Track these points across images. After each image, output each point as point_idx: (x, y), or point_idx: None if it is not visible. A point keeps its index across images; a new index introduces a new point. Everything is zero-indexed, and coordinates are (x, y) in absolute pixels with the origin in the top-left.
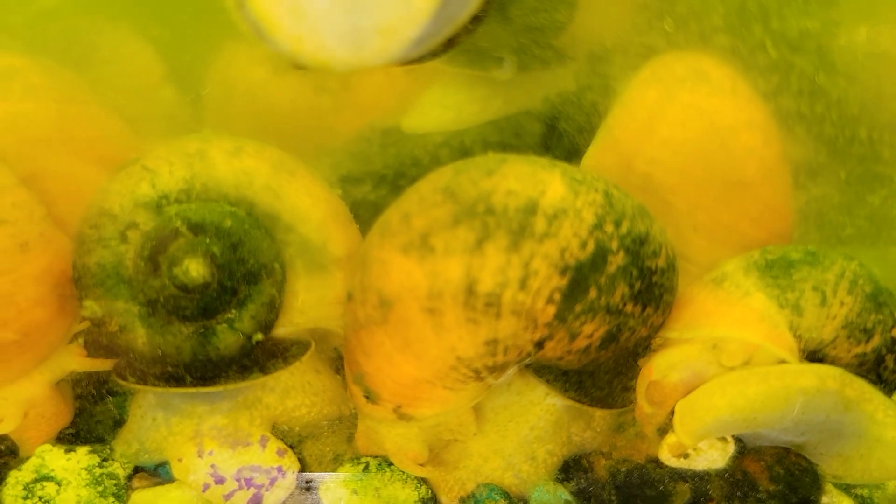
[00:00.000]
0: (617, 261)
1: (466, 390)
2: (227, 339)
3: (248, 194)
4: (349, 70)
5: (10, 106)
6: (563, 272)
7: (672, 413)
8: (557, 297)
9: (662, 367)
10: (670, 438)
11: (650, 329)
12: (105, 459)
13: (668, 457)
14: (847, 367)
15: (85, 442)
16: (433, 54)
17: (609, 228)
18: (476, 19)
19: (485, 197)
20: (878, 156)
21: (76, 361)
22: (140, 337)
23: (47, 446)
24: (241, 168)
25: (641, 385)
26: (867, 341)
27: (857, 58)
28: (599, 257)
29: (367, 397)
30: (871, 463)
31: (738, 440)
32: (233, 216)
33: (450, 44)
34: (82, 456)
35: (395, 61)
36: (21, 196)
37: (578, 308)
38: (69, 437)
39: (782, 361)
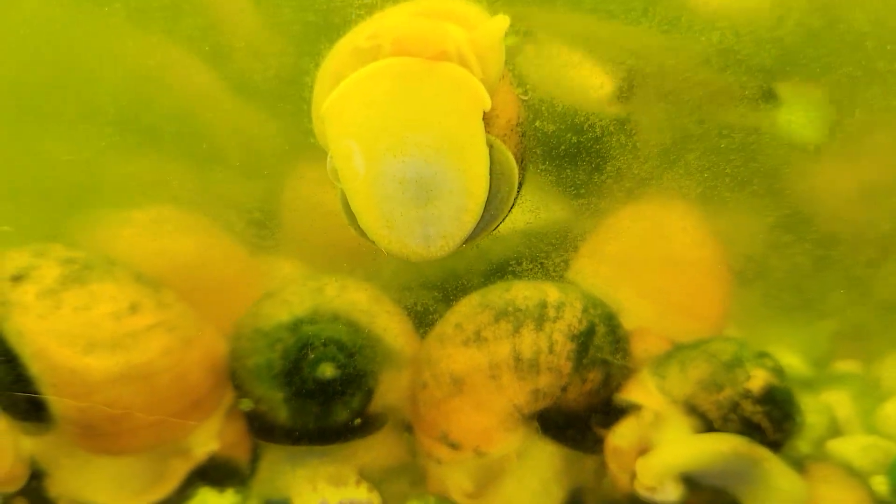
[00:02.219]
0: (601, 329)
1: (518, 432)
2: (342, 414)
3: (353, 317)
4: (421, 261)
5: (164, 243)
6: (572, 339)
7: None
8: (573, 355)
9: (619, 436)
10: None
11: (623, 377)
12: (246, 498)
13: (642, 491)
14: (710, 410)
15: (231, 485)
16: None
17: (591, 310)
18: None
19: (511, 302)
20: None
21: None
22: (284, 414)
23: (207, 488)
24: (347, 299)
25: (609, 448)
26: (719, 392)
27: None
28: (590, 328)
29: (452, 447)
30: (770, 501)
31: (689, 483)
32: (346, 333)
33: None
34: (230, 495)
35: (451, 252)
36: (181, 308)
37: (586, 361)
38: (220, 480)
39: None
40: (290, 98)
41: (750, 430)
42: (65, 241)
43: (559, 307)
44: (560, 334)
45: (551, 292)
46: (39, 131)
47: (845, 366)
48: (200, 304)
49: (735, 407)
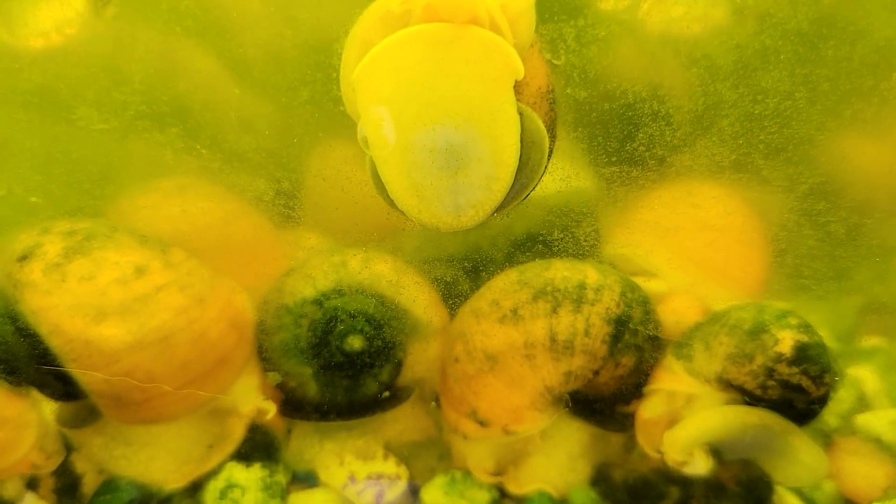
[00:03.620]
0: (636, 314)
1: (547, 412)
2: (371, 387)
3: (378, 289)
4: (451, 230)
5: (185, 205)
6: (608, 323)
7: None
8: (608, 339)
9: (647, 412)
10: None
11: (655, 360)
12: (272, 472)
13: (671, 464)
14: (746, 382)
15: (258, 460)
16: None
17: (628, 294)
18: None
19: (550, 281)
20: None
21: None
22: (313, 388)
23: (233, 462)
24: (372, 271)
25: (639, 422)
26: (750, 362)
27: None
28: (627, 312)
29: (481, 423)
30: (793, 473)
31: (716, 455)
32: (373, 306)
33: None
34: (257, 469)
35: (481, 222)
36: (192, 265)
37: (620, 345)
38: (248, 455)
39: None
40: (320, 66)
41: (792, 392)
42: (93, 211)
43: (598, 290)
44: (597, 317)
45: (591, 274)
46: (69, 102)
47: (872, 341)
48: (226, 270)
49: (770, 373)
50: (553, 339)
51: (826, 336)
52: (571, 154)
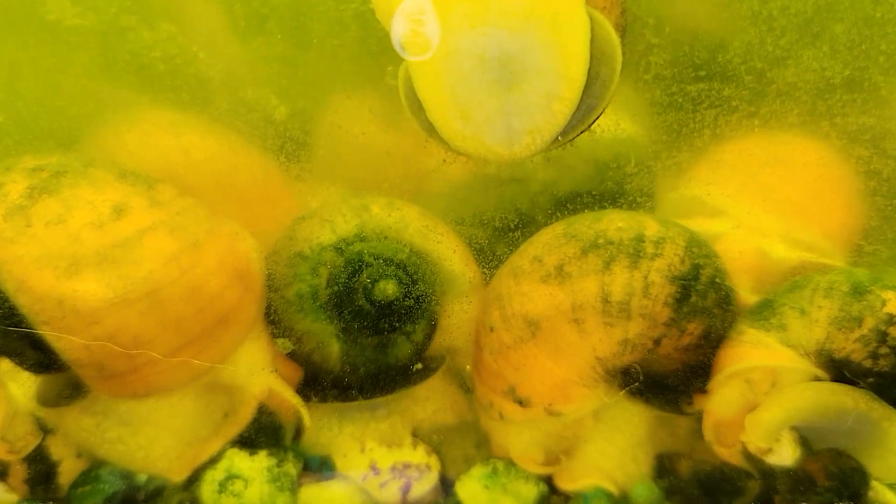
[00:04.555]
0: (706, 272)
1: (598, 390)
2: (404, 348)
3: (405, 236)
4: (503, 162)
5: (178, 140)
6: (672, 282)
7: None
8: (671, 301)
9: (720, 408)
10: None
11: (726, 330)
12: (281, 460)
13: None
14: (854, 351)
15: (264, 446)
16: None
17: (695, 249)
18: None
19: (602, 233)
20: None
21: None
22: (334, 352)
23: (235, 450)
24: (397, 216)
25: (708, 424)
26: (860, 326)
27: None
28: (694, 270)
29: (520, 403)
30: (889, 465)
31: (804, 444)
32: (404, 251)
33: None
34: (263, 458)
35: (538, 153)
36: (184, 204)
37: (686, 309)
38: (252, 442)
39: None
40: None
41: None
42: (66, 135)
43: (658, 243)
44: (658, 274)
45: (650, 225)
46: None
47: None
48: (227, 213)
49: (884, 338)
50: (606, 301)
51: None
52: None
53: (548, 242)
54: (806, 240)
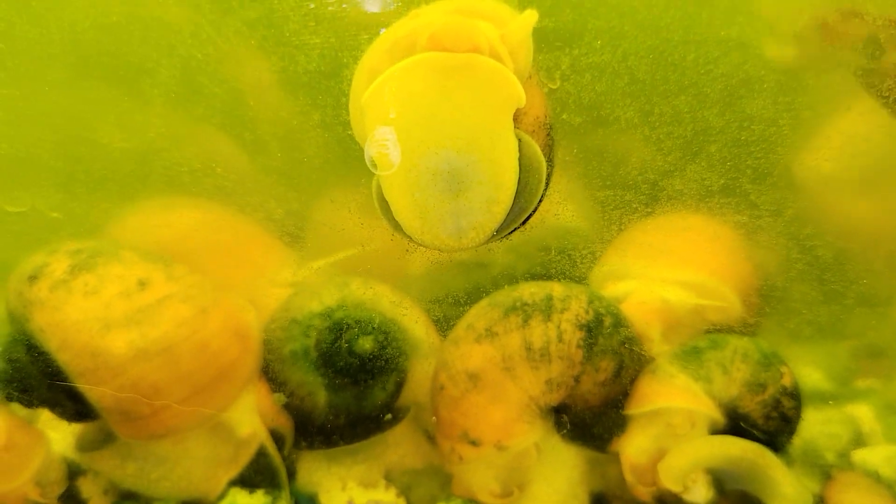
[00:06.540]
0: (607, 319)
1: (536, 425)
2: (378, 396)
3: (379, 307)
4: (453, 251)
5: (194, 230)
6: (580, 328)
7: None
8: (582, 343)
9: (637, 451)
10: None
11: (637, 368)
12: (276, 498)
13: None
14: (754, 410)
15: (261, 486)
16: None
17: (595, 302)
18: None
19: (518, 298)
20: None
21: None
22: (321, 398)
23: (237, 488)
24: (371, 293)
25: (626, 466)
26: (763, 392)
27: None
28: (597, 317)
29: (474, 443)
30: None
31: (717, 486)
32: (378, 318)
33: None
34: (260, 496)
35: (482, 244)
36: (194, 278)
37: (596, 349)
38: (251, 481)
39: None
40: (330, 91)
41: (785, 424)
42: (112, 229)
43: (564, 300)
44: (568, 323)
45: (556, 288)
46: (92, 120)
47: (866, 383)
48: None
49: (777, 405)
50: (528, 349)
51: (821, 377)
52: (569, 178)
53: (477, 313)
54: (700, 284)
